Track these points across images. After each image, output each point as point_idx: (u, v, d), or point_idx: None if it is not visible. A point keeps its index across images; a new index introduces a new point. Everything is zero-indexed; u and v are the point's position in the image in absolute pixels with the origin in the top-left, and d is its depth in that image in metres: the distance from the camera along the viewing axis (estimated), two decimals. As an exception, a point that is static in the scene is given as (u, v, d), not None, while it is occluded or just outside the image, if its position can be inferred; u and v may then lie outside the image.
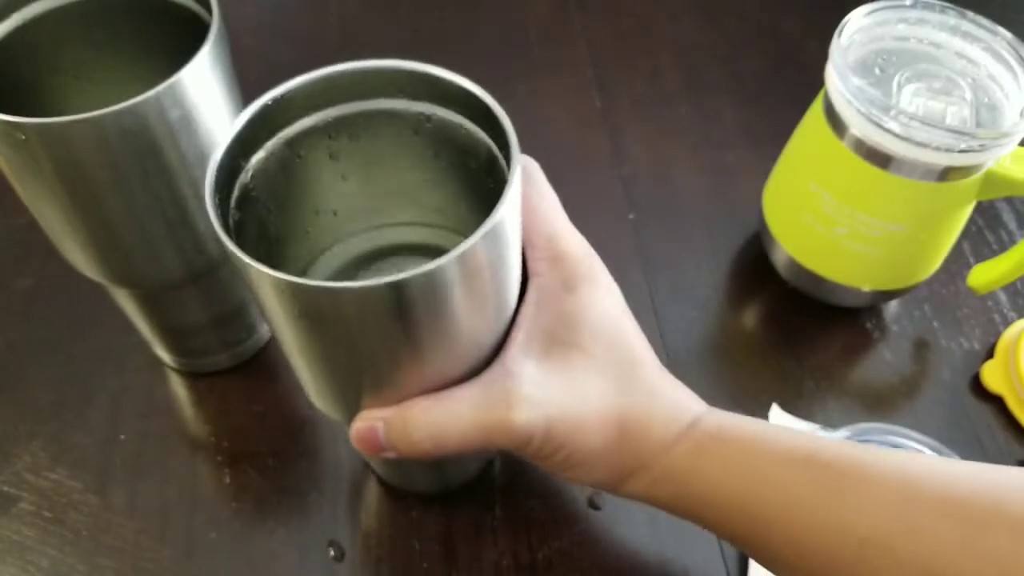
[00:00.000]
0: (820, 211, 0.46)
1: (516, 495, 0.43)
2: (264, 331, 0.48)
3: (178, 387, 0.47)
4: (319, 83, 0.31)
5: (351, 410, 0.32)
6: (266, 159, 0.32)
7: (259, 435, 0.45)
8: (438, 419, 0.30)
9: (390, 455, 0.32)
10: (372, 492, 0.43)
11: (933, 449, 0.42)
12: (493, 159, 0.31)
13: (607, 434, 0.32)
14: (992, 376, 0.48)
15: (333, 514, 0.43)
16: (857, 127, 0.43)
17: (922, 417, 0.47)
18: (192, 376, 0.47)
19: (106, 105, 0.30)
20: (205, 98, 0.33)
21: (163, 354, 0.47)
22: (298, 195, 0.34)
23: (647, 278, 0.53)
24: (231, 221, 0.30)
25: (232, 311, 0.44)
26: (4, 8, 0.35)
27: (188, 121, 0.33)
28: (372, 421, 0.31)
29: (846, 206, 0.45)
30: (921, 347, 0.50)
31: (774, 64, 0.66)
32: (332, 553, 0.41)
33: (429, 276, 0.25)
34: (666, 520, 0.42)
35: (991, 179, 0.42)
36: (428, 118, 0.32)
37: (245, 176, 0.31)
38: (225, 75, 0.35)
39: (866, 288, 0.48)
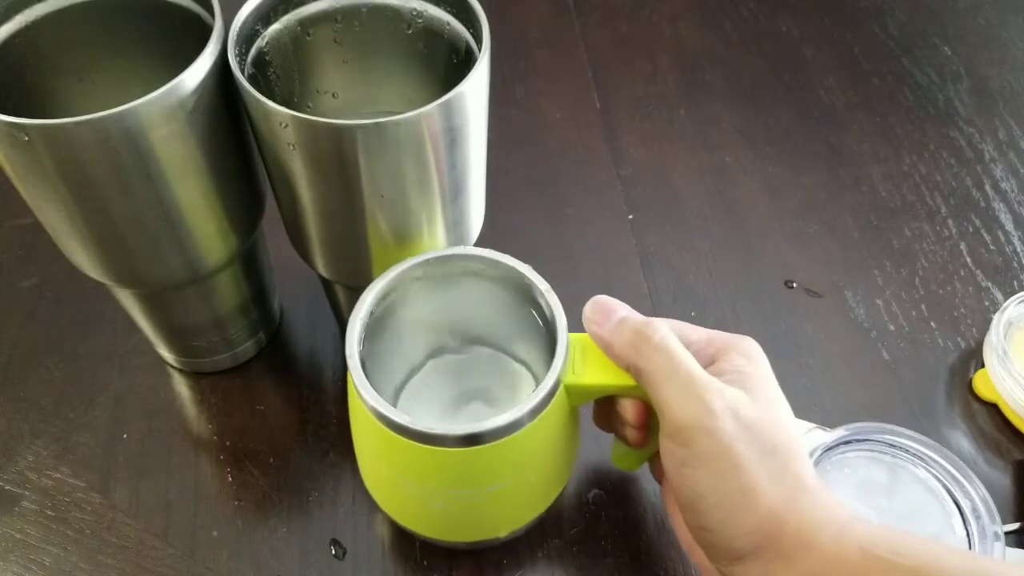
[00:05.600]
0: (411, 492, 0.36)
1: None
2: (265, 331, 0.49)
3: (181, 386, 0.47)
4: None
5: (332, 248, 0.38)
6: (280, 31, 0.37)
7: (261, 434, 0.45)
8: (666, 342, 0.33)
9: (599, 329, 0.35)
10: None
11: (928, 449, 0.42)
12: (471, 52, 0.36)
13: (759, 494, 0.31)
14: (984, 386, 0.48)
15: (335, 513, 0.43)
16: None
17: (918, 417, 0.47)
18: (195, 376, 0.48)
19: (109, 107, 0.30)
20: (207, 99, 0.33)
21: (166, 354, 0.47)
22: (304, 70, 0.39)
23: (646, 278, 0.53)
24: (246, 74, 0.34)
25: (234, 311, 0.44)
26: (7, 10, 0.35)
27: (190, 122, 0.33)
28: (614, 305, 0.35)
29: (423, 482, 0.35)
30: (918, 347, 0.50)
31: (771, 67, 0.67)
32: (334, 552, 0.42)
33: (405, 121, 0.31)
34: (667, 520, 0.43)
35: (570, 391, 0.35)
36: (420, 14, 0.37)
37: (262, 41, 0.36)
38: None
39: (503, 534, 0.38)
